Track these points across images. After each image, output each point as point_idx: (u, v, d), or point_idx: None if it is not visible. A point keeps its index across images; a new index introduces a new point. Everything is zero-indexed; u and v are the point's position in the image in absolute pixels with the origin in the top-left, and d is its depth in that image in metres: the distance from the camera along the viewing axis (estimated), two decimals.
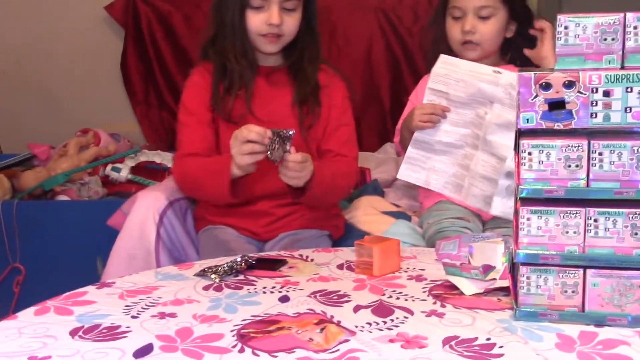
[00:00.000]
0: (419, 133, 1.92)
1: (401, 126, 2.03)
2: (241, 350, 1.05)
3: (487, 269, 1.31)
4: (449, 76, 1.87)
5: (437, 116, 1.89)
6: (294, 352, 1.04)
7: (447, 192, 1.94)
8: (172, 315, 1.20)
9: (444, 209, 1.90)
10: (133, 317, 1.19)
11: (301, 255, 1.55)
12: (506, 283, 1.26)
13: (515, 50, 1.99)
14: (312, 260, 1.52)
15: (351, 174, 1.81)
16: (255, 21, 1.73)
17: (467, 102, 1.87)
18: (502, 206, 1.83)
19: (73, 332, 1.12)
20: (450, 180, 1.93)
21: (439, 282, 1.35)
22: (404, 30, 3.01)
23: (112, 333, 1.11)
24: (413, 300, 1.26)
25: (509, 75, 1.80)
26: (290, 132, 1.53)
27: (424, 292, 1.31)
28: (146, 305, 1.25)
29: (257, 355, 1.03)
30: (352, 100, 1.87)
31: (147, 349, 1.05)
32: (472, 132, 1.88)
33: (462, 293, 1.29)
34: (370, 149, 3.00)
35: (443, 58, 1.90)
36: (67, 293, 1.29)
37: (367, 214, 2.01)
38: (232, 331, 1.12)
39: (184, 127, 1.77)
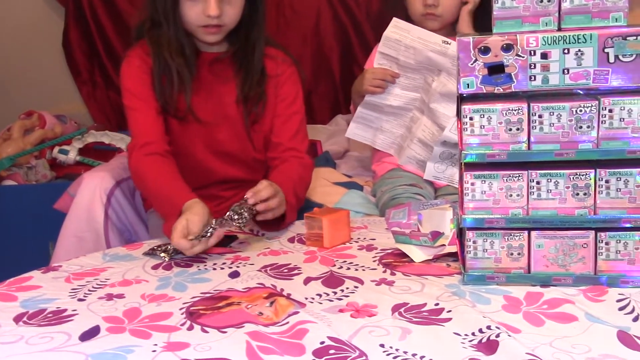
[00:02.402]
0: (369, 97, 1.93)
1: (352, 90, 2.03)
2: (190, 328, 1.04)
3: (436, 235, 1.32)
4: (399, 42, 1.87)
5: (387, 82, 1.90)
6: (243, 327, 1.03)
7: (392, 151, 1.98)
8: (120, 296, 1.18)
9: (397, 176, 1.91)
10: (80, 300, 1.17)
11: (252, 230, 1.54)
12: (455, 249, 1.27)
13: (474, 20, 1.98)
14: (262, 234, 1.52)
15: (306, 176, 1.70)
16: (192, 12, 1.58)
17: (416, 68, 1.88)
18: (434, 171, 1.88)
19: (17, 318, 1.09)
20: (397, 141, 1.97)
21: (389, 251, 1.36)
22: (350, 0, 2.99)
23: (58, 317, 1.09)
24: (363, 270, 1.27)
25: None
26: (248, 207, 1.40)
27: (374, 261, 1.31)
28: (93, 287, 1.23)
29: (206, 332, 1.02)
30: (303, 84, 1.81)
31: (94, 331, 1.04)
32: (420, 97, 1.90)
33: (412, 260, 1.30)
34: (321, 121, 2.99)
35: (395, 22, 1.90)
36: (11, 279, 1.26)
37: (319, 185, 2.00)
38: (181, 309, 1.11)
39: (135, 113, 1.64)
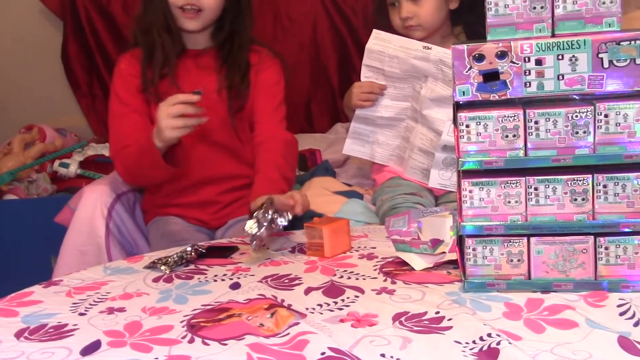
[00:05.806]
0: (360, 110, 1.93)
1: (343, 105, 2.03)
2: (191, 341, 1.04)
3: (436, 243, 1.31)
4: (382, 52, 1.87)
5: (375, 95, 1.90)
6: (243, 338, 1.03)
7: (391, 163, 1.98)
8: (121, 310, 1.18)
9: (397, 185, 1.91)
10: (80, 314, 1.17)
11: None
12: (455, 256, 1.27)
13: (464, 21, 1.98)
14: (263, 245, 1.51)
15: (291, 155, 1.77)
16: None
17: (403, 77, 1.88)
18: (439, 178, 1.87)
19: (18, 334, 1.09)
20: (395, 152, 1.96)
21: (390, 259, 1.36)
22: (347, 8, 3.00)
23: (59, 332, 1.09)
24: (364, 279, 1.27)
25: (438, 51, 1.80)
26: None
27: (375, 270, 1.31)
28: (94, 301, 1.23)
29: (207, 345, 1.02)
30: (287, 78, 1.84)
31: (95, 345, 1.04)
32: (411, 106, 1.90)
33: (412, 269, 1.30)
34: (321, 130, 2.99)
35: (375, 33, 1.90)
36: (12, 294, 1.26)
37: (319, 194, 2.00)
38: (181, 322, 1.11)
39: (118, 119, 1.71)
